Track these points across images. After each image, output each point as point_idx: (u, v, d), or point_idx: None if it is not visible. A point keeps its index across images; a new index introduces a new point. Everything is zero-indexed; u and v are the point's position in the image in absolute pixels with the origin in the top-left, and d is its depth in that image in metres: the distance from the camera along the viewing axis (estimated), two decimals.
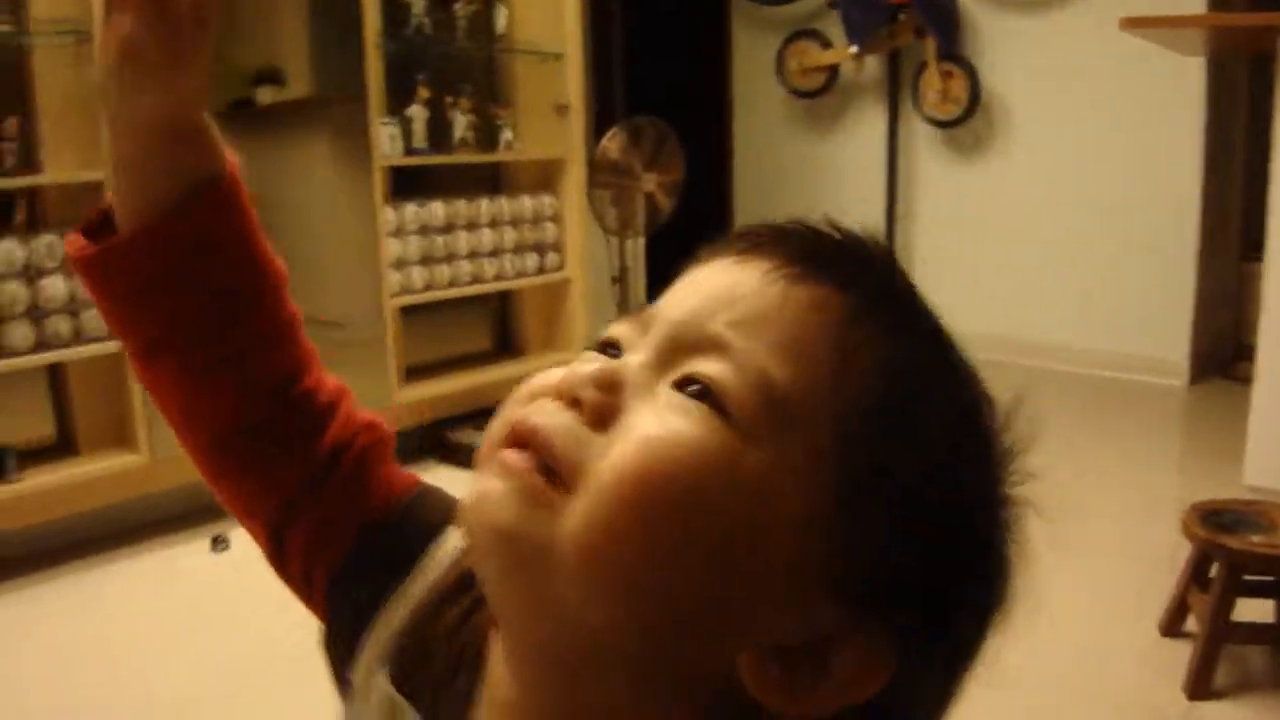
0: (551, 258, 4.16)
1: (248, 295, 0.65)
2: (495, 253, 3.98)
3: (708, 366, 0.48)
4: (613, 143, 4.11)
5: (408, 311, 3.77)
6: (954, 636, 0.50)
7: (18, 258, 2.90)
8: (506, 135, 4.00)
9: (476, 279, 3.93)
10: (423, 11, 3.71)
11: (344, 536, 0.65)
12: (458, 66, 3.98)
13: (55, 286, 2.97)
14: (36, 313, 2.96)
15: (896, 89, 5.33)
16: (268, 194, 4.81)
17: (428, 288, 3.80)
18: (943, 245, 5.28)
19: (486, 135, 3.99)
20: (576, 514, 0.46)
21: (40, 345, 2.98)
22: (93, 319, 3.02)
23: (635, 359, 0.51)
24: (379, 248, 3.61)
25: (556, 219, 4.15)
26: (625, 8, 5.85)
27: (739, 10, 5.88)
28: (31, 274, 2.94)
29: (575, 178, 4.07)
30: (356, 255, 3.67)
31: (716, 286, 0.52)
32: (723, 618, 0.47)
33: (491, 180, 4.26)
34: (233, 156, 0.65)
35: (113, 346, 3.01)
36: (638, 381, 0.49)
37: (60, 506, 3.03)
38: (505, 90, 4.15)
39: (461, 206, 3.88)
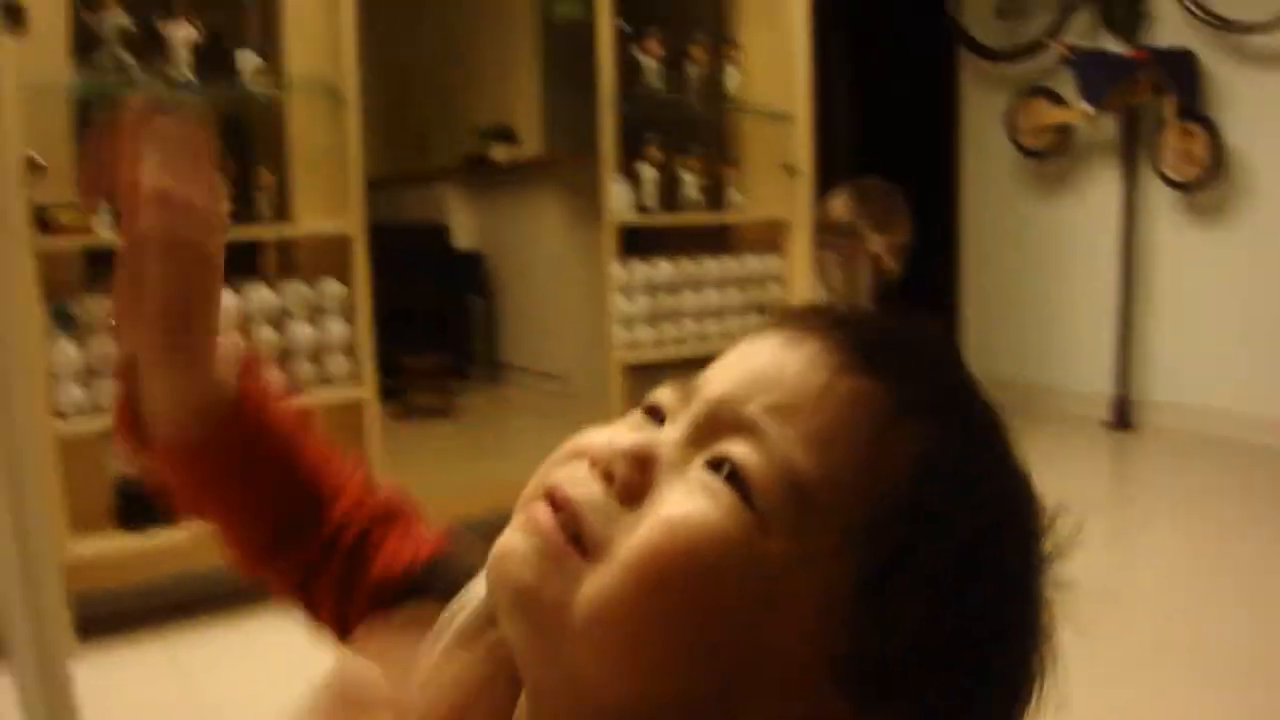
0: None
1: (293, 513, 0.71)
2: (720, 313, 3.99)
3: (737, 449, 0.49)
4: (839, 203, 4.09)
5: (632, 369, 3.81)
6: None
7: (269, 303, 3.05)
8: (734, 195, 4.01)
9: (701, 338, 3.94)
10: (655, 72, 3.77)
11: (360, 601, 0.70)
12: (688, 126, 4.02)
13: (302, 331, 3.11)
14: (284, 356, 3.11)
15: (1133, 150, 5.12)
16: (499, 248, 4.95)
17: (657, 345, 3.84)
18: (1181, 315, 5.04)
19: (714, 195, 4.01)
20: (594, 583, 0.47)
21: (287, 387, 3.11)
22: (336, 364, 3.16)
23: (671, 435, 0.52)
24: (607, 305, 3.66)
25: (781, 280, 4.13)
26: (854, 67, 5.84)
27: (968, 66, 5.77)
28: (280, 319, 3.09)
29: (801, 239, 4.05)
30: (584, 311, 3.74)
31: (762, 366, 0.52)
32: (729, 703, 0.47)
33: (718, 240, 4.28)
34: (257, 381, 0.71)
35: (352, 393, 3.14)
36: (672, 460, 0.50)
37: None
38: (733, 150, 4.17)
39: (688, 266, 3.91)
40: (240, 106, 3.20)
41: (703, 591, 0.46)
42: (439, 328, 5.04)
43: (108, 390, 2.87)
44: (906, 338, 0.54)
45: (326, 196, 3.16)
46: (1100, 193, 5.24)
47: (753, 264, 4.06)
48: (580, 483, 0.50)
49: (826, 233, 4.08)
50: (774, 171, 4.00)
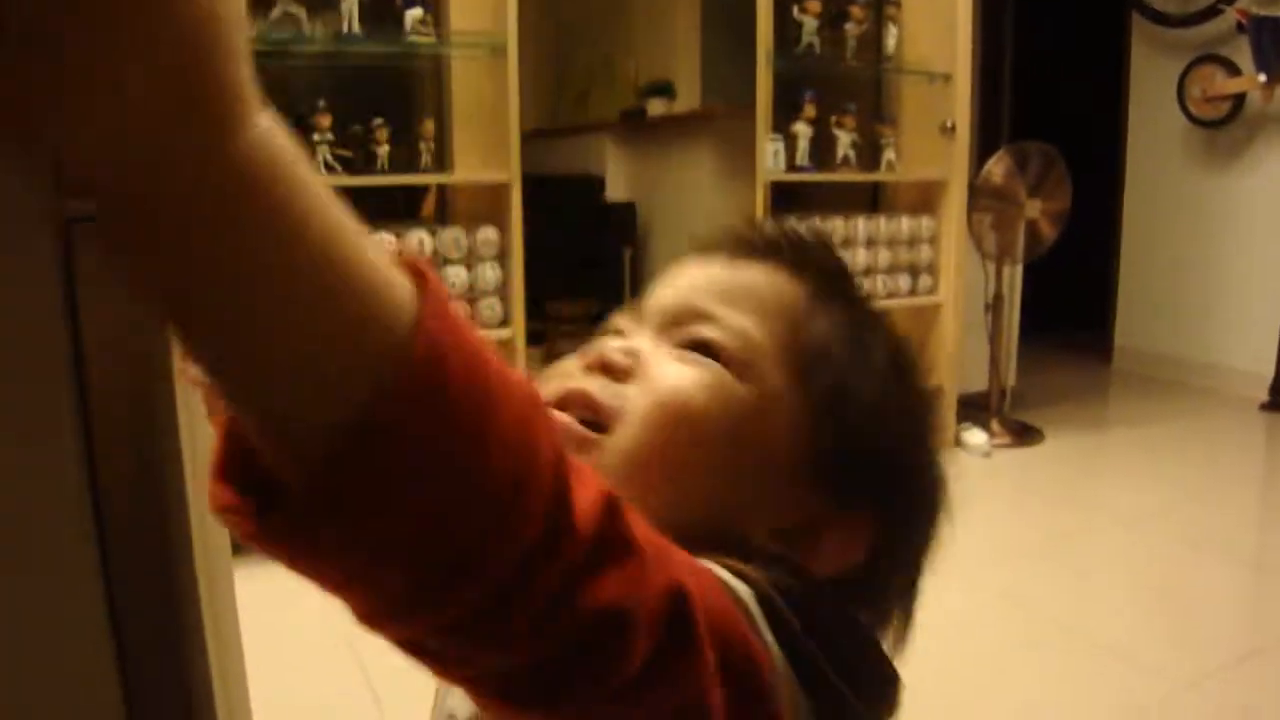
0: (924, 280, 4.11)
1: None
2: (869, 272, 3.98)
3: (701, 330, 0.64)
4: (997, 167, 4.03)
5: None
6: (911, 529, 0.67)
7: (426, 247, 3.16)
8: (888, 155, 3.99)
9: None
10: (814, 30, 3.76)
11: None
12: (844, 85, 4.00)
13: (458, 275, 3.22)
14: None
15: None
16: (651, 200, 5.00)
17: None
18: None
19: (868, 154, 3.99)
20: (621, 440, 0.60)
21: None
22: (488, 307, 3.27)
23: (643, 334, 0.67)
24: None
25: (933, 241, 4.10)
26: (1018, 28, 5.72)
27: (1140, 31, 5.59)
28: (437, 263, 3.20)
29: (956, 201, 4.00)
30: None
31: (695, 277, 0.69)
32: (737, 505, 0.62)
33: (870, 199, 4.26)
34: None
35: (502, 334, 3.26)
36: (650, 348, 0.65)
37: None
38: (890, 109, 4.13)
39: (839, 224, 3.91)
40: (404, 59, 3.31)
41: (703, 423, 0.61)
42: (587, 275, 5.13)
43: None
44: (798, 240, 0.71)
45: (485, 147, 3.26)
46: (1273, 165, 5.05)
47: (905, 225, 4.03)
48: (581, 379, 0.63)
49: (983, 196, 4.04)
50: (931, 132, 3.96)
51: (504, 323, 3.30)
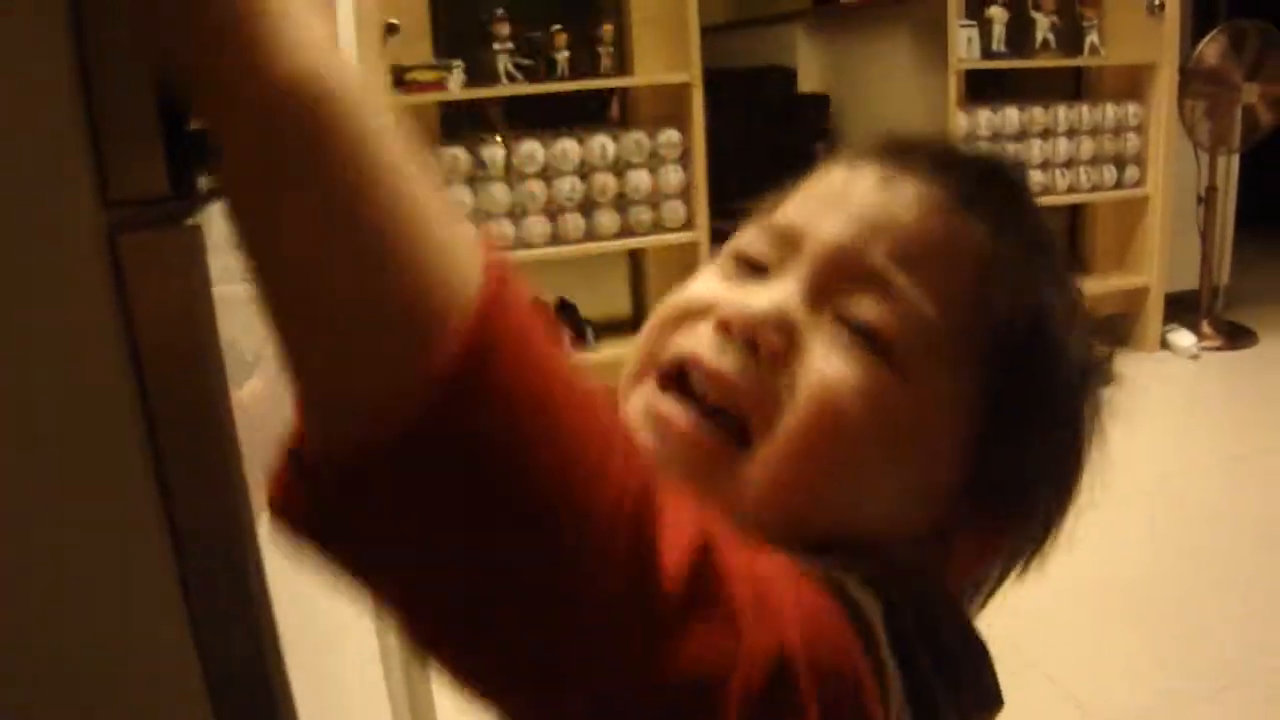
0: (1131, 171, 3.90)
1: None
2: (1070, 163, 3.80)
3: (871, 311, 0.52)
4: (1211, 48, 3.77)
5: None
6: (1047, 535, 0.59)
7: (610, 151, 3.17)
8: (1092, 38, 3.77)
9: (1047, 190, 3.77)
10: None
11: None
12: None
13: (640, 179, 3.23)
14: (622, 201, 3.24)
15: None
16: (844, 92, 4.88)
17: None
18: None
19: (1070, 38, 3.78)
20: (770, 456, 0.51)
21: (624, 232, 3.26)
22: (672, 210, 3.27)
23: (792, 290, 0.54)
24: None
25: (1140, 130, 3.87)
26: None
27: None
28: (620, 167, 3.21)
29: (1166, 86, 3.76)
30: None
31: (869, 209, 0.55)
32: (878, 515, 0.54)
33: (1072, 86, 4.05)
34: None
35: (686, 236, 3.25)
36: (808, 322, 0.53)
37: None
38: None
39: (1038, 113, 3.73)
40: None
41: (861, 445, 0.52)
42: (778, 171, 5.04)
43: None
44: (1006, 183, 0.58)
45: (665, 48, 3.25)
46: None
47: (1110, 112, 3.82)
48: (720, 352, 0.53)
49: (1195, 80, 3.79)
50: (1138, 12, 3.72)
51: (687, 225, 3.29)
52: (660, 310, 0.57)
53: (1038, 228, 0.58)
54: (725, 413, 0.52)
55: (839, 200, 0.56)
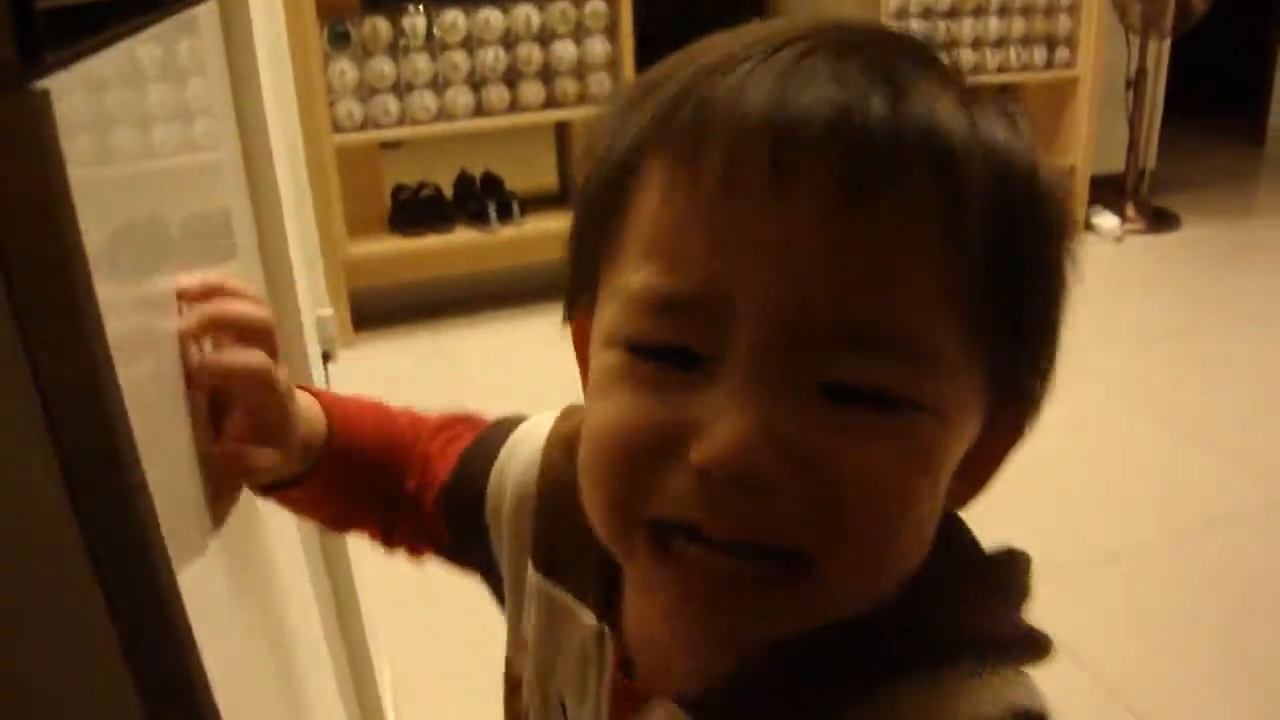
0: (1061, 53, 3.89)
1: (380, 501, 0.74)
2: (1000, 42, 3.78)
3: (865, 372, 0.42)
4: None
5: None
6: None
7: (534, 21, 3.10)
8: None
9: (977, 69, 3.75)
10: None
11: (436, 518, 0.71)
12: None
13: (566, 49, 3.16)
14: (547, 73, 3.17)
15: None
16: None
17: None
18: None
19: None
20: (840, 575, 0.44)
21: (550, 104, 3.20)
22: (598, 82, 3.21)
23: (755, 389, 0.42)
24: None
25: (1072, 11, 3.85)
26: None
27: None
28: (546, 37, 3.14)
29: None
30: None
31: (793, 247, 0.41)
32: (932, 525, 0.47)
33: None
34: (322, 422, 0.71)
35: None
36: (795, 418, 0.42)
37: (553, 250, 3.29)
38: None
39: None
40: None
41: (922, 503, 0.45)
42: None
43: (381, 105, 3.03)
44: (904, 130, 0.42)
45: None
46: None
47: None
48: (714, 508, 0.43)
49: None
50: None
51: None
52: (594, 459, 0.47)
53: (962, 102, 0.47)
54: (773, 551, 0.43)
55: (737, 228, 0.42)
